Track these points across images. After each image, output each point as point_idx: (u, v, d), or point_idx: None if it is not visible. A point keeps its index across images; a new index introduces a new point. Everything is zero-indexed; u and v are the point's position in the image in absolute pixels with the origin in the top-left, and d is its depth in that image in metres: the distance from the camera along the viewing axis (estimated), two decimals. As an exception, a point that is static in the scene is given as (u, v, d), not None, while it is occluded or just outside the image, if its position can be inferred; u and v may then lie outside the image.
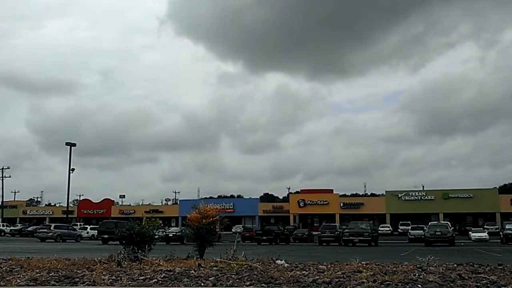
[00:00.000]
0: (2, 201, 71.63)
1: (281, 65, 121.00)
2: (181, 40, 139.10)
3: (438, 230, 31.31)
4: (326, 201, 63.59)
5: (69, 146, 52.39)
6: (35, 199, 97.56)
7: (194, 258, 10.04)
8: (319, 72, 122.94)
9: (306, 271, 3.64)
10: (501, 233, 34.39)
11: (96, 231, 41.07)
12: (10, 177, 72.03)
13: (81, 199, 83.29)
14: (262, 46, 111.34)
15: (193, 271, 3.81)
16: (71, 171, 52.02)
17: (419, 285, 2.98)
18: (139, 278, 4.35)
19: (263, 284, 3.05)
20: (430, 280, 3.14)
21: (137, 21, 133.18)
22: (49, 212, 77.62)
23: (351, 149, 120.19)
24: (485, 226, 49.56)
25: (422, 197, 61.17)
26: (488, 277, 3.32)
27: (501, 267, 3.99)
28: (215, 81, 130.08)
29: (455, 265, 4.20)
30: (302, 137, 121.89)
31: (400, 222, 55.99)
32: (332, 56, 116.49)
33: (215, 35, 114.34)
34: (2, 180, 70.69)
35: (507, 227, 32.38)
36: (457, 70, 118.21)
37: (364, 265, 4.14)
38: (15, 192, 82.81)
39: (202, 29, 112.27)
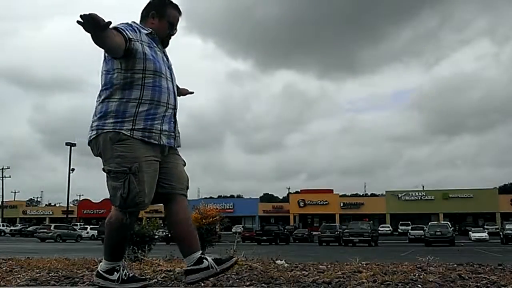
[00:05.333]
0: (2, 201, 71.64)
1: (292, 63, 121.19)
2: (190, 36, 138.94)
3: (438, 230, 31.33)
4: (326, 201, 63.59)
5: (69, 146, 52.43)
6: (35, 199, 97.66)
7: (194, 258, 10.04)
8: (329, 70, 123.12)
9: (306, 271, 3.64)
10: (501, 233, 34.41)
11: (96, 231, 41.11)
12: (10, 177, 72.14)
13: (81, 199, 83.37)
14: (273, 43, 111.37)
15: (193, 271, 3.84)
16: (71, 171, 52.12)
17: (419, 285, 2.98)
18: (139, 278, 4.40)
19: (263, 284, 3.05)
20: (430, 280, 3.14)
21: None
22: (49, 212, 77.59)
23: (357, 148, 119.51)
24: (485, 226, 49.58)
25: (422, 197, 61.17)
26: (488, 277, 3.32)
27: (501, 267, 3.99)
28: (224, 79, 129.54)
29: (455, 265, 4.20)
30: (308, 136, 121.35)
31: (400, 222, 56.00)
32: (343, 53, 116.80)
33: (225, 32, 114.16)
34: (2, 180, 70.75)
35: (507, 227, 32.41)
36: (470, 67, 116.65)
37: (364, 265, 4.14)
38: (15, 192, 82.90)
39: (212, 26, 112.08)
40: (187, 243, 2.78)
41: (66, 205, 57.09)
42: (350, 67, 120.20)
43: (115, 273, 2.77)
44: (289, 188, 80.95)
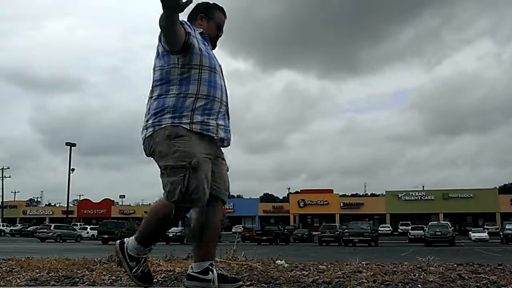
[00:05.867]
0: (2, 201, 71.63)
1: (293, 63, 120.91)
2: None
3: (438, 230, 31.32)
4: (326, 201, 63.58)
5: (69, 146, 52.44)
6: (35, 199, 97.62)
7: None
8: (330, 70, 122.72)
9: (306, 271, 3.64)
10: (501, 233, 34.40)
11: (96, 231, 41.03)
12: (10, 177, 72.17)
13: (81, 199, 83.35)
14: (274, 43, 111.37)
15: (193, 271, 3.85)
16: (71, 171, 52.12)
17: (419, 285, 2.98)
18: (139, 278, 4.40)
19: (263, 284, 3.05)
20: (430, 280, 3.14)
21: (142, 19, 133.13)
22: (49, 212, 77.56)
23: (357, 148, 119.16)
24: (485, 226, 49.57)
25: (422, 197, 61.16)
26: (488, 277, 3.32)
27: (501, 267, 3.99)
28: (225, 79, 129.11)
29: (455, 265, 4.20)
30: (308, 136, 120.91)
31: (400, 222, 56.00)
32: (344, 53, 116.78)
33: (226, 32, 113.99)
34: (2, 180, 70.77)
35: (507, 227, 32.39)
36: (472, 67, 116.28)
37: (364, 265, 4.14)
38: (15, 192, 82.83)
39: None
40: (205, 249, 2.76)
41: (66, 205, 57.10)
42: (351, 67, 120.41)
43: (135, 262, 2.76)
44: (289, 188, 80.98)
